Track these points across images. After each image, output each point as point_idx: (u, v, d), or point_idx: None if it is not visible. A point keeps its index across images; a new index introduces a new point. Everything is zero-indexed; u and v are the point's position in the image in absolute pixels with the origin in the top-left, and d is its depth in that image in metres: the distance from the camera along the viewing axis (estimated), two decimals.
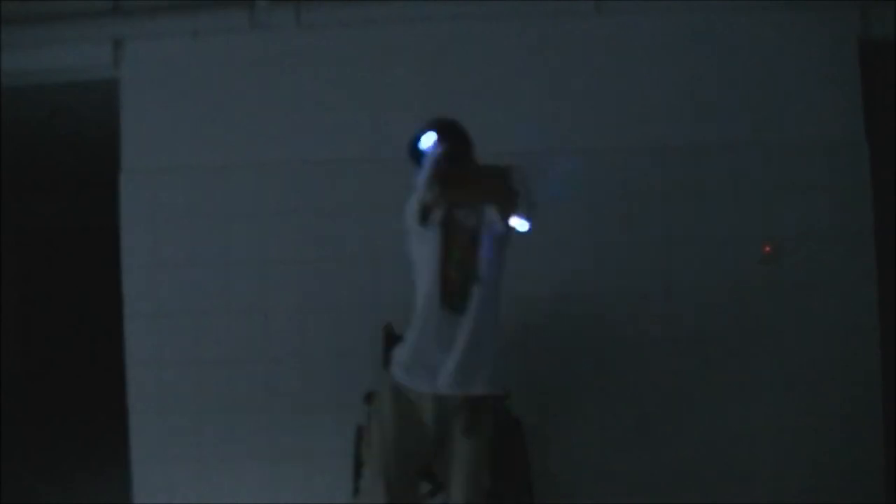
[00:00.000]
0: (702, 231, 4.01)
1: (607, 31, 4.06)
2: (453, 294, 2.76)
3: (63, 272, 9.15)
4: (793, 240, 3.98)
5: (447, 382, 2.79)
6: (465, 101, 4.03)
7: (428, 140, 2.74)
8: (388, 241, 3.69)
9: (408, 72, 4.06)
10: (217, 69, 4.08)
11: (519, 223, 2.70)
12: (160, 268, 4.03)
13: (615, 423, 3.98)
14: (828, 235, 3.98)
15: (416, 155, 2.82)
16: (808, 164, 4.01)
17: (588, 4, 4.06)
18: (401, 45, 4.07)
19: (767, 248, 3.99)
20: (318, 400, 3.97)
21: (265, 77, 4.07)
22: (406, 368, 2.84)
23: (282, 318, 4.01)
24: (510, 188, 2.71)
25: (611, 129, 4.04)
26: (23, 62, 4.07)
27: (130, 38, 4.08)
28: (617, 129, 4.04)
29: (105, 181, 4.58)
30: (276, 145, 4.06)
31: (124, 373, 4.03)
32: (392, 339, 3.13)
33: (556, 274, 3.94)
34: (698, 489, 3.93)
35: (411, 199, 2.72)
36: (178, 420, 3.99)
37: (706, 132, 4.04)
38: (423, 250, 2.78)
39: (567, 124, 4.04)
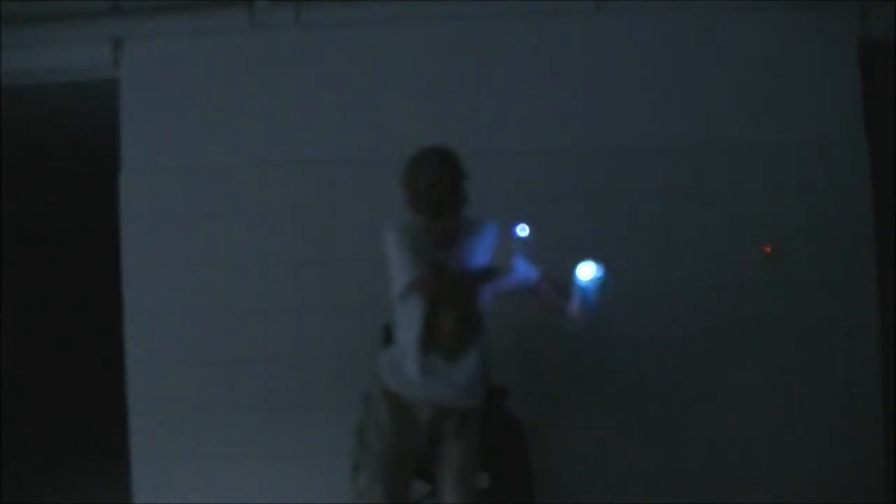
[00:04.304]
0: (702, 231, 4.01)
1: (607, 31, 4.06)
2: (446, 342, 2.77)
3: (63, 272, 9.14)
4: (793, 240, 3.98)
5: (454, 398, 2.82)
6: (466, 101, 4.03)
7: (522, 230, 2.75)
8: None
9: (408, 72, 4.06)
10: (217, 69, 4.08)
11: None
12: (160, 268, 4.03)
13: (615, 424, 3.98)
14: (828, 235, 3.98)
15: (413, 185, 2.80)
16: (808, 164, 4.01)
17: (588, 4, 4.06)
18: (401, 45, 4.07)
19: (767, 248, 3.99)
20: (318, 400, 3.97)
21: (265, 77, 4.07)
22: (400, 377, 2.84)
23: (282, 318, 4.01)
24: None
25: (611, 129, 4.04)
26: (23, 62, 4.06)
27: (130, 38, 4.08)
28: (617, 129, 4.05)
29: (105, 181, 4.57)
30: (276, 145, 4.06)
31: (124, 373, 4.03)
32: (392, 339, 3.13)
33: (555, 274, 3.94)
34: (698, 489, 3.93)
35: (393, 254, 2.74)
36: (178, 420, 3.99)
37: (706, 132, 4.04)
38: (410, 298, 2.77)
39: (567, 124, 4.04)
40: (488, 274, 2.76)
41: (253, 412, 3.99)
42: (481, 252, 2.81)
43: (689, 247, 4.00)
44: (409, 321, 2.79)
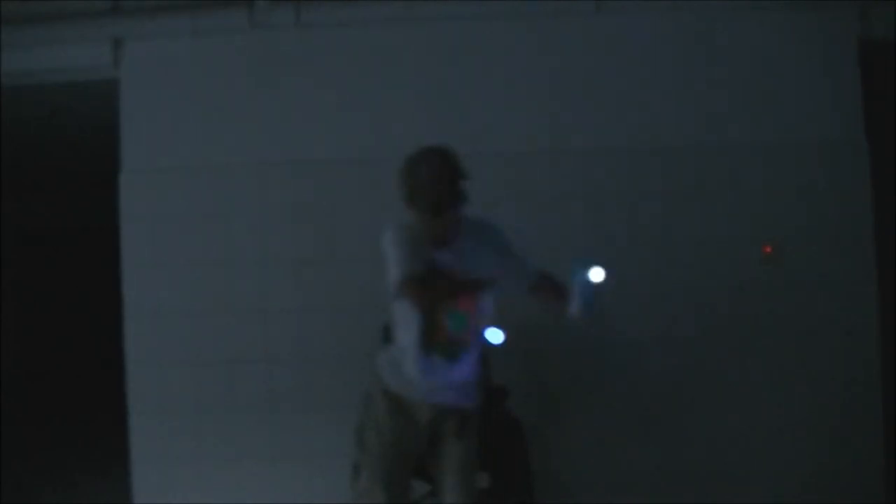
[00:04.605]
0: (702, 231, 4.01)
1: (607, 31, 4.06)
2: (445, 344, 2.77)
3: (63, 272, 9.14)
4: (793, 240, 3.98)
5: (454, 398, 2.82)
6: (465, 101, 4.03)
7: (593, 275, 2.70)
8: None
9: (408, 72, 4.06)
10: (217, 69, 4.08)
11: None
12: (160, 268, 4.03)
13: (615, 424, 3.98)
14: (828, 235, 3.98)
15: (412, 186, 2.78)
16: (808, 164, 4.01)
17: (588, 4, 4.06)
18: (401, 45, 4.07)
19: (767, 249, 3.99)
20: (318, 400, 3.97)
21: (265, 77, 4.07)
22: (400, 378, 2.84)
23: (282, 318, 4.01)
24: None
25: (611, 129, 4.04)
26: (23, 62, 4.06)
27: (130, 38, 4.08)
28: (617, 129, 4.05)
29: (105, 181, 4.57)
30: (276, 145, 4.06)
31: (124, 373, 4.03)
32: (392, 339, 3.13)
33: (555, 274, 3.94)
34: (698, 489, 3.93)
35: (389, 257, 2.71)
36: (178, 420, 3.99)
37: (706, 132, 4.04)
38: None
39: (567, 124, 4.04)
40: (480, 284, 2.74)
41: (253, 412, 3.99)
42: (482, 253, 2.80)
43: (689, 247, 4.00)
44: (407, 321, 2.79)
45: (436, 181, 2.72)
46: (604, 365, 3.98)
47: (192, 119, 4.08)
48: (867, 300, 3.96)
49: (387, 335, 3.27)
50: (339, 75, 4.07)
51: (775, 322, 3.98)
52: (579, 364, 3.98)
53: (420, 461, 2.93)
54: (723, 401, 3.98)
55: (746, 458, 3.96)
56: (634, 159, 4.02)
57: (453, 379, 2.79)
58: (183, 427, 3.98)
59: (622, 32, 4.06)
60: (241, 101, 4.07)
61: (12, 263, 8.89)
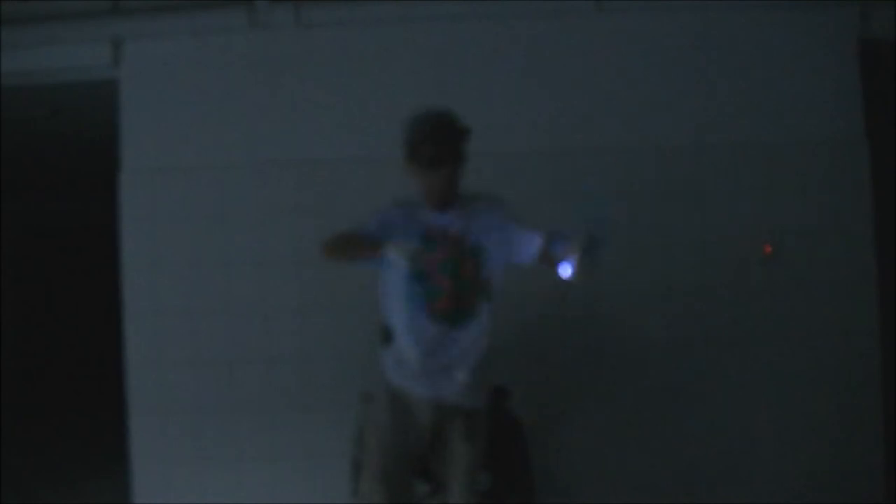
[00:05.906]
0: (702, 231, 4.01)
1: (607, 31, 4.06)
2: (448, 308, 2.75)
3: (63, 272, 9.15)
4: (793, 240, 3.98)
5: (456, 394, 2.80)
6: (466, 100, 4.01)
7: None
8: None
9: (408, 72, 4.06)
10: (217, 69, 4.08)
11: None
12: (160, 268, 4.03)
13: (615, 423, 3.98)
14: (828, 235, 3.98)
15: (411, 150, 2.78)
16: (808, 164, 4.01)
17: (588, 4, 4.06)
18: (401, 45, 4.07)
19: (768, 248, 3.99)
20: (318, 400, 3.97)
21: (265, 77, 4.07)
22: (403, 374, 2.84)
23: (282, 318, 4.01)
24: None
25: (611, 129, 4.04)
26: (23, 62, 4.06)
27: (130, 38, 4.08)
28: (617, 128, 4.04)
29: (105, 181, 4.57)
30: (276, 145, 4.06)
31: (124, 373, 4.03)
32: (391, 339, 3.12)
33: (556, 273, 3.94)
34: (698, 489, 3.93)
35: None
36: (178, 420, 3.99)
37: (706, 132, 4.04)
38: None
39: (567, 124, 4.04)
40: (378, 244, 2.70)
41: (253, 412, 3.99)
42: (486, 220, 2.81)
43: (688, 247, 4.00)
44: (399, 289, 2.76)
45: (433, 134, 2.74)
46: (604, 365, 3.98)
47: (192, 119, 4.08)
48: (867, 300, 3.96)
49: (385, 337, 3.26)
50: (339, 75, 4.07)
51: (775, 322, 3.98)
52: (579, 364, 3.98)
53: (422, 462, 2.92)
54: (723, 401, 3.98)
55: (746, 458, 3.96)
56: (634, 159, 4.02)
57: (453, 355, 2.77)
58: (183, 427, 3.99)
59: (622, 32, 4.06)
60: (241, 101, 4.07)
61: (12, 263, 8.89)
